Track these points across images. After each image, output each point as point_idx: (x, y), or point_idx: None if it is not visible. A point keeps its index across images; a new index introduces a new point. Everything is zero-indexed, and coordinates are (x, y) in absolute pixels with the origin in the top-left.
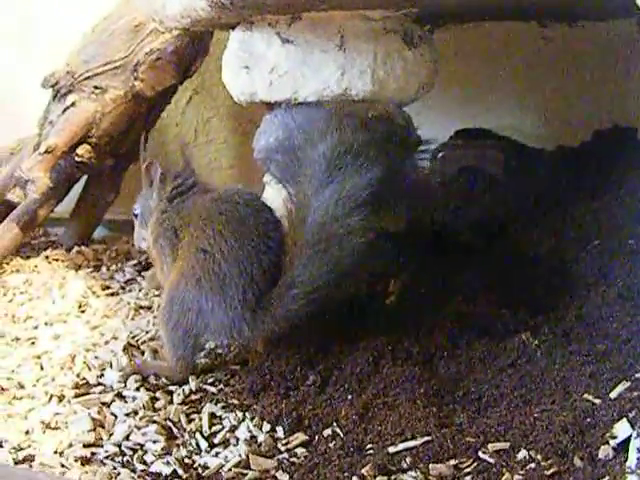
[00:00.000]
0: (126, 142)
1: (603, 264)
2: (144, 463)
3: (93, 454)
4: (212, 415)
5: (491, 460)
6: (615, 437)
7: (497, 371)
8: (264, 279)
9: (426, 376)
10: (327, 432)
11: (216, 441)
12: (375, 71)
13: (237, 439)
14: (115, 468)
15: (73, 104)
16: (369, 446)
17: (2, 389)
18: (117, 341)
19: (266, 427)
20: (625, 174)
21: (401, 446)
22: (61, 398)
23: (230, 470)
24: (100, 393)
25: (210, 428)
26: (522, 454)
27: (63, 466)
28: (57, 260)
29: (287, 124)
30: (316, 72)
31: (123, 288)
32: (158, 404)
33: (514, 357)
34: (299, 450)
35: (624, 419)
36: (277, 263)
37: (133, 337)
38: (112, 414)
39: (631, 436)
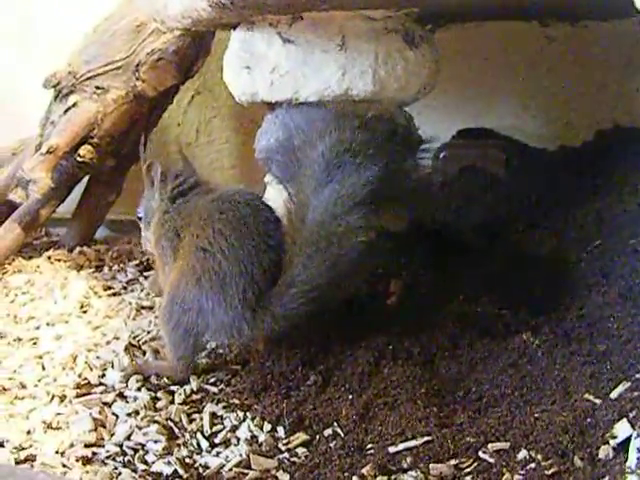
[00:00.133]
0: (128, 142)
1: (604, 264)
2: (145, 463)
3: (94, 454)
4: (213, 415)
5: (491, 460)
6: (615, 437)
7: (498, 371)
8: (264, 278)
9: (427, 376)
10: (328, 432)
11: (217, 441)
12: (376, 71)
13: (238, 439)
14: (116, 468)
15: (75, 104)
16: (369, 446)
17: (4, 389)
18: (119, 341)
19: (267, 427)
20: (627, 174)
21: (401, 446)
22: (63, 398)
23: (231, 470)
24: (101, 393)
25: (211, 428)
26: (522, 454)
27: (64, 466)
28: (59, 260)
29: (288, 124)
30: (317, 72)
31: (125, 288)
32: (159, 404)
33: (515, 357)
34: (300, 450)
35: (624, 419)
36: (277, 262)
37: (134, 337)
38: (113, 414)
39: (631, 436)
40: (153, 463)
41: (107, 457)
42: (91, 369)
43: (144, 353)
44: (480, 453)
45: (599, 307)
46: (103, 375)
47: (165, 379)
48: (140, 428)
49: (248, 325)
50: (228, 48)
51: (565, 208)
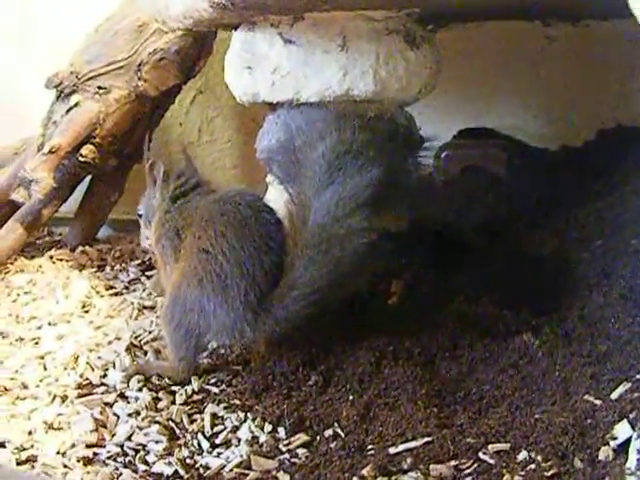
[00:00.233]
0: (130, 142)
1: (606, 264)
2: (146, 463)
3: (95, 454)
4: (214, 415)
5: (491, 461)
6: (615, 438)
7: (498, 372)
8: (266, 280)
9: (427, 377)
10: (328, 433)
11: (218, 441)
12: (377, 71)
13: (239, 439)
14: (117, 468)
15: (77, 104)
16: (370, 447)
17: (6, 389)
18: (120, 341)
19: (268, 428)
20: (628, 174)
21: (402, 447)
22: (64, 398)
23: (231, 470)
24: (103, 393)
25: (212, 428)
26: (522, 455)
27: (65, 466)
28: (61, 260)
29: (289, 125)
30: (318, 72)
31: (127, 288)
32: (160, 404)
33: (515, 358)
34: (300, 451)
35: (624, 420)
36: (279, 264)
37: (136, 337)
38: (115, 414)
39: (631, 437)
40: (154, 463)
41: (108, 457)
42: (93, 369)
43: (146, 353)
44: (480, 454)
45: (600, 307)
46: (105, 375)
47: (166, 379)
48: (141, 428)
49: (250, 327)
50: (229, 48)
51: (566, 208)
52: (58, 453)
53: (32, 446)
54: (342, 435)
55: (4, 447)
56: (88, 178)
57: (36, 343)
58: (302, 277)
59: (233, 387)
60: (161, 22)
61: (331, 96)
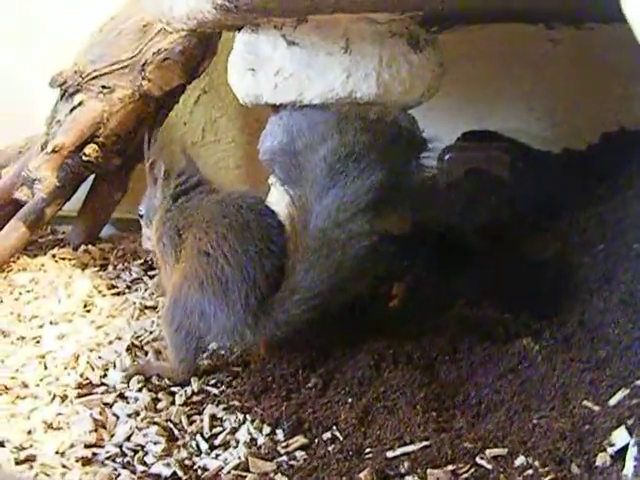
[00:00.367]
0: (133, 141)
1: (607, 269)
2: (144, 464)
3: (94, 455)
4: (213, 417)
5: (489, 466)
6: (613, 445)
7: (497, 376)
8: (267, 283)
9: (426, 380)
10: (327, 435)
11: (216, 443)
12: (380, 74)
13: (237, 441)
14: (115, 469)
15: (81, 103)
16: (368, 450)
17: (6, 388)
18: (121, 341)
19: (266, 430)
20: (631, 178)
21: (399, 451)
22: (64, 398)
23: (229, 472)
24: (103, 393)
25: (211, 430)
26: (520, 460)
27: (64, 466)
28: (64, 259)
29: (291, 127)
30: (321, 75)
31: (129, 287)
32: (160, 405)
33: (515, 362)
34: (298, 453)
35: (622, 427)
36: (280, 267)
37: (137, 337)
38: (114, 415)
39: (629, 444)
40: (152, 464)
41: (107, 458)
42: (93, 369)
43: (146, 353)
44: (477, 459)
45: (600, 313)
46: (105, 375)
47: (166, 380)
48: (140, 429)
49: (250, 330)
50: (233, 50)
51: (569, 211)
52: (57, 453)
53: (31, 446)
54: (340, 438)
55: (3, 446)
56: (91, 177)
57: (37, 342)
58: (303, 281)
59: (233, 388)
60: (165, 23)
61: (334, 98)
